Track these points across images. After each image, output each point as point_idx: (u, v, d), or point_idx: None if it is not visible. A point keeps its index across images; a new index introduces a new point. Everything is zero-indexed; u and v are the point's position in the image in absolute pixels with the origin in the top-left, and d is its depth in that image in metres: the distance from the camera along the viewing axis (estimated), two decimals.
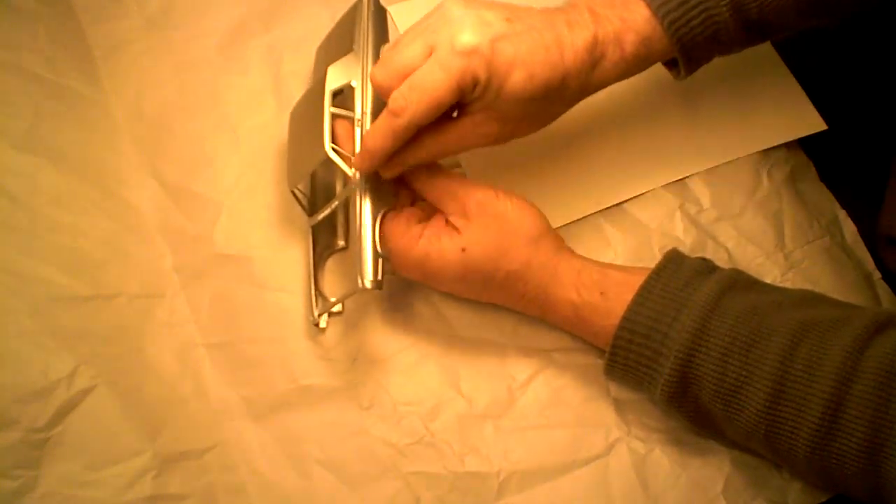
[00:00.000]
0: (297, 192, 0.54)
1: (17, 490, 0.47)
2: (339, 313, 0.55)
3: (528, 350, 0.54)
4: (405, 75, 0.47)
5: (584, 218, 0.57)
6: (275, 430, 0.52)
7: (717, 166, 0.59)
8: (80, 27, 0.61)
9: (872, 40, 0.62)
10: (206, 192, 0.58)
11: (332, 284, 0.56)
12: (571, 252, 0.52)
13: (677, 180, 0.59)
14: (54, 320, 0.51)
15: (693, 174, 0.59)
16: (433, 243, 0.50)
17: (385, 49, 0.52)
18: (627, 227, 0.58)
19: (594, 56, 0.49)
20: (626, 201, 0.58)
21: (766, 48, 0.62)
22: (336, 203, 0.53)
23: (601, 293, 0.50)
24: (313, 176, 0.58)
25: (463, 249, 0.50)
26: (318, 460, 0.52)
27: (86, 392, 0.49)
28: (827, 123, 0.60)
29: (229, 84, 0.61)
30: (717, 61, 0.61)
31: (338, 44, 0.56)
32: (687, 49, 0.51)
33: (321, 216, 0.54)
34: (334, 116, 0.51)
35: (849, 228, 0.59)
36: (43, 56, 0.58)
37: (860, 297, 0.56)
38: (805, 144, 0.61)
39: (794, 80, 0.61)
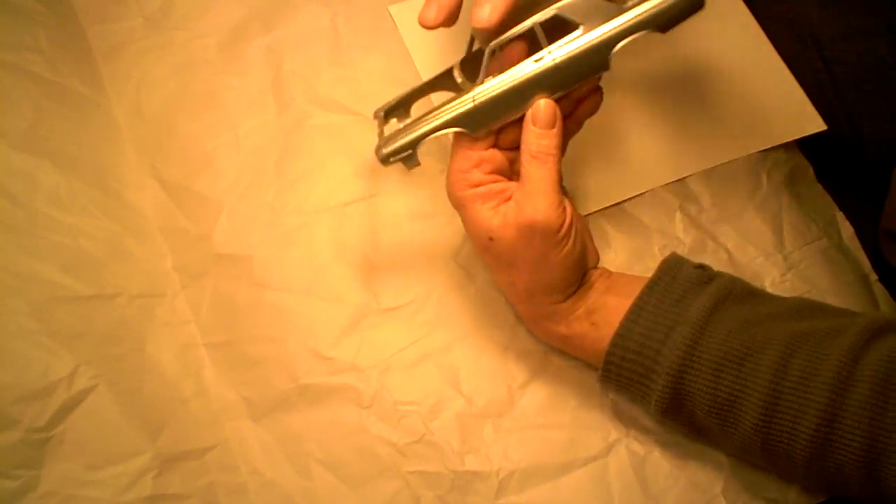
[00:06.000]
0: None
1: (18, 490, 0.46)
2: (414, 165, 0.50)
3: (528, 350, 0.54)
4: None
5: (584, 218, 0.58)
6: (275, 429, 0.52)
7: (716, 166, 0.59)
8: (81, 27, 0.61)
9: (871, 41, 0.62)
10: (206, 192, 0.58)
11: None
12: (581, 290, 0.50)
13: (677, 180, 0.59)
14: (54, 320, 0.51)
15: (693, 174, 0.59)
16: (476, 203, 0.48)
17: None
18: (627, 227, 0.58)
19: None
20: (626, 201, 0.58)
21: (765, 48, 0.62)
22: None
23: (592, 324, 0.49)
24: None
25: (490, 238, 0.48)
26: (318, 460, 0.52)
27: (86, 392, 0.49)
28: (826, 124, 0.60)
29: (229, 84, 0.61)
30: (717, 61, 0.62)
31: None
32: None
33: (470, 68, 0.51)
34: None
35: (846, 230, 0.59)
36: (43, 56, 0.58)
37: (857, 299, 0.57)
38: (802, 145, 0.61)
39: (793, 80, 0.61)
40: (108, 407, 0.50)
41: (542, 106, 0.47)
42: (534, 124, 0.47)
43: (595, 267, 0.52)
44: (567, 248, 0.48)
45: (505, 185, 0.49)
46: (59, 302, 0.51)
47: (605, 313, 0.49)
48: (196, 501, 0.50)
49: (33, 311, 0.50)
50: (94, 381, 0.50)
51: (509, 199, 0.48)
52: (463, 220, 0.50)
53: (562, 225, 0.47)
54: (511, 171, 0.50)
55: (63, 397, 0.49)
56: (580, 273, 0.50)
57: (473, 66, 0.51)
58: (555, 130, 0.47)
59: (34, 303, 0.51)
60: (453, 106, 0.48)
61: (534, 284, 0.49)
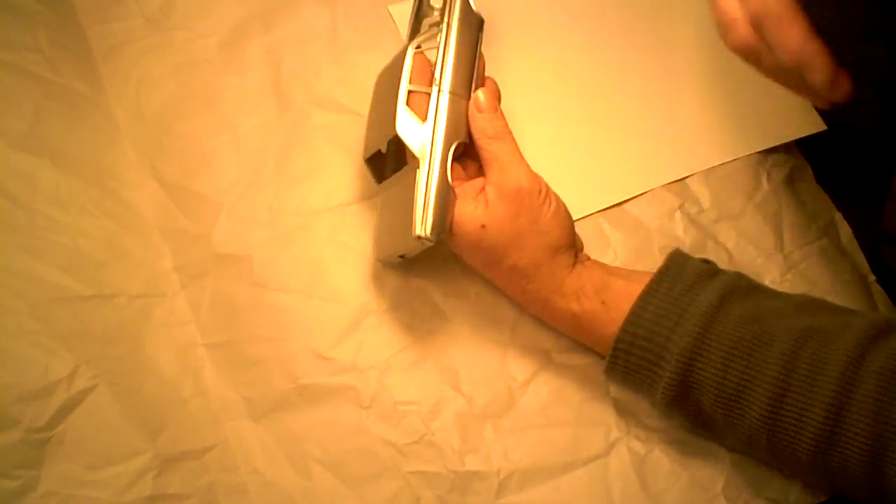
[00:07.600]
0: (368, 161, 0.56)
1: (18, 490, 0.47)
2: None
3: (528, 350, 0.54)
4: None
5: (584, 218, 0.58)
6: (275, 429, 0.52)
7: (716, 166, 0.59)
8: (81, 27, 0.61)
9: (871, 41, 0.62)
10: (206, 192, 0.58)
11: None
12: (583, 265, 0.52)
13: (677, 180, 0.59)
14: (54, 320, 0.51)
15: (693, 174, 0.59)
16: (456, 204, 0.50)
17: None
18: (627, 227, 0.58)
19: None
20: (626, 201, 0.58)
21: None
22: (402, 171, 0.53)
23: (602, 302, 0.50)
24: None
25: (483, 226, 0.49)
26: (318, 460, 0.52)
27: (86, 392, 0.49)
28: (825, 124, 0.60)
29: (229, 84, 0.61)
30: (717, 61, 0.62)
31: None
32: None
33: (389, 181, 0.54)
34: (411, 93, 0.52)
35: (845, 231, 0.59)
36: (43, 56, 0.58)
37: (856, 299, 0.57)
38: (802, 145, 0.61)
39: None
40: (107, 407, 0.50)
41: (482, 94, 0.52)
42: (480, 112, 0.52)
43: (582, 251, 0.54)
44: (553, 204, 0.51)
45: (471, 182, 0.52)
46: (58, 302, 0.51)
47: (613, 294, 0.49)
48: (196, 501, 0.50)
49: (33, 311, 0.50)
50: (94, 381, 0.50)
51: (482, 189, 0.51)
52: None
53: (541, 185, 0.51)
54: (466, 175, 0.53)
55: (63, 397, 0.49)
56: (572, 228, 0.52)
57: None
58: (500, 111, 0.52)
59: (34, 303, 0.51)
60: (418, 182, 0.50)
61: (537, 252, 0.50)
